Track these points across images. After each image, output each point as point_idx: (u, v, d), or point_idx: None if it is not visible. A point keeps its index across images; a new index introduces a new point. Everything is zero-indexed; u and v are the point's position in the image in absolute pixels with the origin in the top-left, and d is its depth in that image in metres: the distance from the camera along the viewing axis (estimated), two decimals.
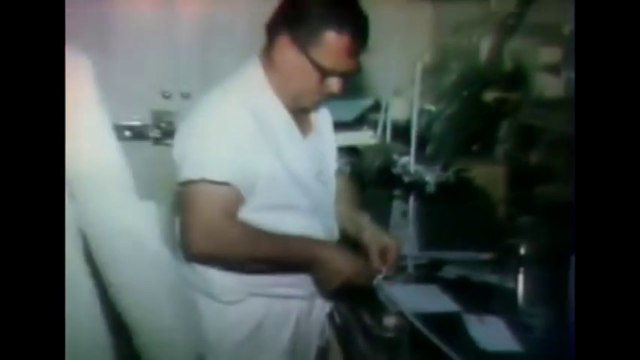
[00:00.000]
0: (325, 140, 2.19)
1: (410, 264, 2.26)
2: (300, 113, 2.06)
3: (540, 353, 1.76)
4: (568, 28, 2.39)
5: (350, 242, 2.13)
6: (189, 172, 1.90)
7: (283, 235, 1.94)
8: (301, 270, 2.00)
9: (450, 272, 2.22)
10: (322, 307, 2.15)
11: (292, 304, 2.07)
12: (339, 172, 2.26)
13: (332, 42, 1.88)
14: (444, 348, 1.66)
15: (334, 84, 1.95)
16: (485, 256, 2.30)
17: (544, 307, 1.98)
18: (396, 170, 2.39)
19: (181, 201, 1.95)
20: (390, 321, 1.88)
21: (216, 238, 1.91)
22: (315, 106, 2.09)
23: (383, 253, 2.03)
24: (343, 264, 1.97)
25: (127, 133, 3.68)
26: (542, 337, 1.86)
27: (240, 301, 2.00)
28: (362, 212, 2.18)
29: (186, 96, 3.57)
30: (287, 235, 1.94)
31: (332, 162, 2.21)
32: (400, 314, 1.87)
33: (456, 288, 2.09)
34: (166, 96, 3.70)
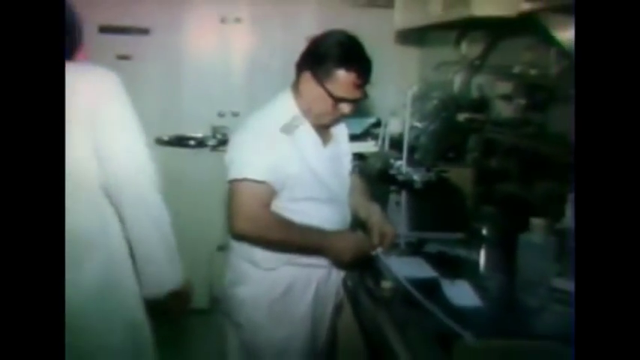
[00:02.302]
0: (341, 148, 2.17)
1: (402, 241, 2.26)
2: (322, 128, 2.06)
3: (494, 306, 1.78)
4: (517, 68, 2.35)
5: (359, 224, 2.12)
6: (235, 173, 1.91)
7: (305, 225, 1.93)
8: (318, 254, 2.00)
9: (431, 248, 2.22)
10: (338, 274, 2.14)
11: (315, 271, 2.06)
12: (352, 172, 2.23)
13: (342, 78, 1.90)
14: (426, 303, 1.69)
15: (345, 107, 1.97)
16: (458, 236, 2.30)
17: (498, 274, 1.98)
18: (392, 171, 2.34)
19: (229, 194, 1.95)
20: (386, 284, 1.89)
21: (255, 223, 1.92)
22: (333, 123, 2.09)
23: (382, 237, 2.02)
24: (349, 245, 1.98)
25: (192, 142, 3.76)
26: (496, 296, 1.86)
27: (275, 269, 2.00)
28: (373, 202, 2.16)
29: (236, 115, 3.65)
30: (308, 225, 1.93)
31: (347, 164, 2.20)
32: (394, 279, 1.88)
33: (436, 259, 2.09)
34: (221, 115, 3.76)
